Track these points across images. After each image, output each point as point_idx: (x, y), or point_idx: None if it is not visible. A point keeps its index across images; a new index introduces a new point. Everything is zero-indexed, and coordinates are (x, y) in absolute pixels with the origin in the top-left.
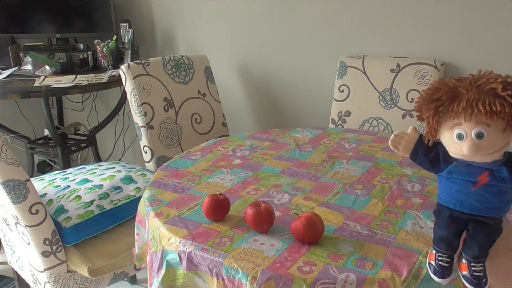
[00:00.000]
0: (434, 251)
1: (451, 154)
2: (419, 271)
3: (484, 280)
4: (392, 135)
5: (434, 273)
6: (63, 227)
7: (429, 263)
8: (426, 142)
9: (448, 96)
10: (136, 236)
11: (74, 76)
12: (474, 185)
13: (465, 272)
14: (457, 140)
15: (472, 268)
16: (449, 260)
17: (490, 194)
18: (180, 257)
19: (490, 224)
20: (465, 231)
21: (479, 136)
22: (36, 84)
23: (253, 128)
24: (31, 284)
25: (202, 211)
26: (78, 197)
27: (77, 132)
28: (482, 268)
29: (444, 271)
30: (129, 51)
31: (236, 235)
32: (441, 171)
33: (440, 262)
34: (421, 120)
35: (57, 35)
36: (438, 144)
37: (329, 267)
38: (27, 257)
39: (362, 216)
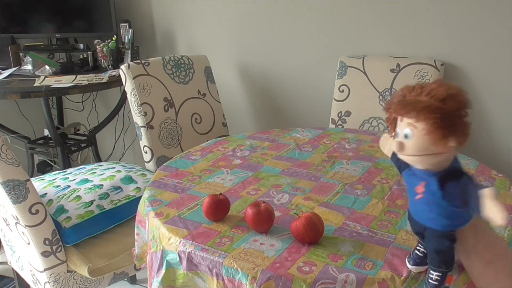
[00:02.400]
0: None
1: None
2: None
3: None
4: (381, 137)
5: (408, 259)
6: (63, 227)
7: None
8: (390, 136)
9: (394, 102)
10: (136, 236)
11: (74, 76)
12: (416, 195)
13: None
14: (396, 137)
15: (429, 274)
16: (425, 252)
17: (427, 205)
18: (180, 257)
19: (435, 235)
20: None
21: (406, 136)
22: (36, 84)
23: (253, 128)
24: (31, 284)
25: (202, 211)
26: (78, 197)
27: (77, 132)
28: (438, 278)
29: (416, 259)
30: (129, 51)
31: (236, 235)
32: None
33: (416, 251)
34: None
35: (57, 35)
36: None
37: (329, 267)
38: (27, 257)
39: (362, 216)
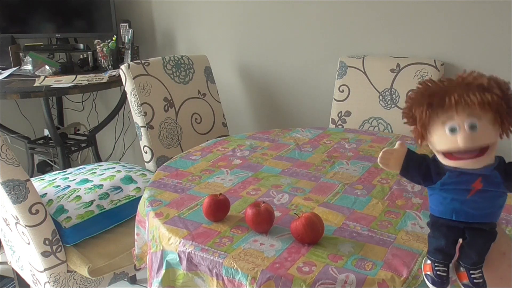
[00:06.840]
0: (429, 262)
1: (442, 152)
2: (419, 272)
3: (484, 286)
4: (381, 153)
5: (433, 284)
6: (63, 227)
7: (426, 274)
8: (416, 143)
9: (439, 92)
10: (136, 236)
11: (74, 76)
12: (469, 192)
13: (465, 281)
14: (450, 135)
15: (472, 276)
16: (446, 269)
17: (485, 200)
18: (180, 257)
19: (486, 230)
20: (461, 239)
21: (472, 127)
22: (36, 84)
23: (253, 128)
24: (31, 284)
25: (202, 211)
26: (78, 197)
27: (77, 132)
28: (480, 274)
29: (443, 281)
30: (129, 51)
31: (236, 235)
32: (434, 183)
33: (438, 272)
34: (411, 120)
35: (57, 35)
36: (427, 157)
37: (329, 267)
38: (27, 257)
39: (362, 216)
